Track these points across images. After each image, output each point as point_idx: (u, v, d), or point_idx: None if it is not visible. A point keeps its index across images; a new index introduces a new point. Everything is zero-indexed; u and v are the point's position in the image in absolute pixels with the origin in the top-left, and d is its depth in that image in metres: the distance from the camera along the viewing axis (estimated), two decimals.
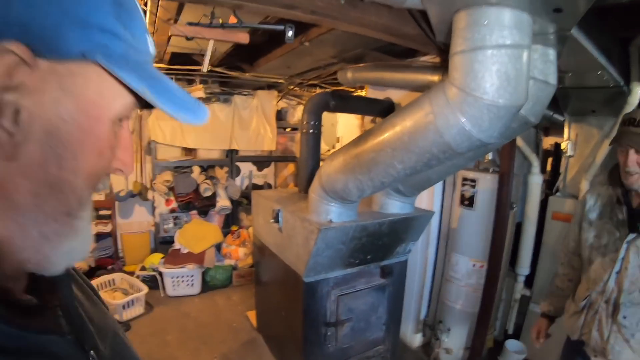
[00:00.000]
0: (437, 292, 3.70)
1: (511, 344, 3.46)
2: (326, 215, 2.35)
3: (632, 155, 1.75)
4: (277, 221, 2.74)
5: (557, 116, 3.58)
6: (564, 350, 2.33)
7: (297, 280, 2.65)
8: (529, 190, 3.46)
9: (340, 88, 4.66)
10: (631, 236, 1.83)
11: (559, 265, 2.37)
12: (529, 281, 3.63)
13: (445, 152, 1.56)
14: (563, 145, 3.35)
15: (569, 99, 2.94)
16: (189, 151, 5.29)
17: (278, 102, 5.67)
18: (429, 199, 3.49)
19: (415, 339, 3.79)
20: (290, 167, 6.11)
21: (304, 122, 3.01)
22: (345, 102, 3.32)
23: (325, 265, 2.54)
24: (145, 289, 4.03)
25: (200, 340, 3.61)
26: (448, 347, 3.36)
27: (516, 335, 3.67)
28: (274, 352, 3.42)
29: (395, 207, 2.68)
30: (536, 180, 3.46)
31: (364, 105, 3.69)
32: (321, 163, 2.63)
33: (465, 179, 3.24)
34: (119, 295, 3.98)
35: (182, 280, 4.42)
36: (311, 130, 3.02)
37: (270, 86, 5.40)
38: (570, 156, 3.34)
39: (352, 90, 4.81)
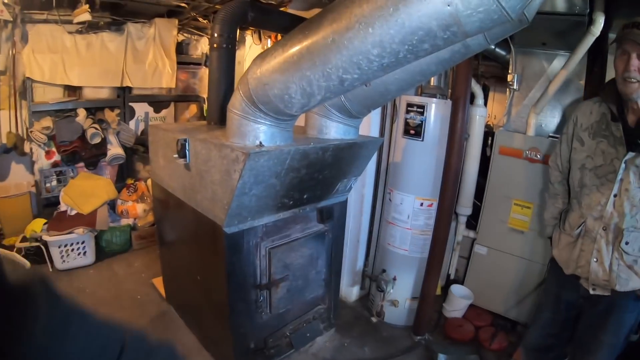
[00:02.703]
0: (376, 237, 3.35)
1: (457, 289, 3.33)
2: (254, 138, 1.78)
3: (634, 60, 1.62)
4: (182, 155, 2.10)
5: (499, 50, 3.50)
6: (549, 285, 2.20)
7: (215, 232, 2.08)
8: (471, 123, 3.22)
9: None
10: (630, 155, 1.72)
11: (551, 198, 2.21)
12: (470, 222, 3.47)
13: (448, 29, 1.13)
14: (509, 78, 3.22)
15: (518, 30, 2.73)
16: (72, 91, 4.41)
17: (179, 33, 4.93)
18: (364, 128, 2.95)
19: (352, 293, 3.44)
20: (193, 109, 5.47)
21: (215, 35, 2.41)
22: (267, 16, 2.79)
23: (252, 208, 2.00)
24: (26, 264, 3.23)
25: None
26: (393, 299, 3.03)
27: (459, 281, 3.54)
28: (191, 326, 2.85)
29: (338, 130, 2.20)
30: (480, 113, 3.24)
31: (289, 22, 3.03)
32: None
33: (410, 105, 2.82)
34: None
35: (71, 249, 3.66)
36: (224, 45, 2.41)
37: (170, 14, 4.62)
38: (515, 90, 3.21)
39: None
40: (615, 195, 1.75)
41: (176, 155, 2.15)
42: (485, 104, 3.35)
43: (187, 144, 2.11)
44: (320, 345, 2.78)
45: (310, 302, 2.62)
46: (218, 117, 2.40)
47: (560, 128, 2.93)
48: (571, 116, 2.02)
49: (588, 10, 2.28)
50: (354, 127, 2.27)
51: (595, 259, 1.81)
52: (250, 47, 5.02)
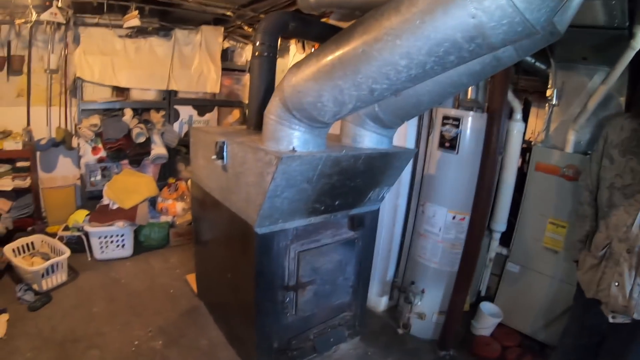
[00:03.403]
0: (407, 248, 3.31)
1: (486, 307, 3.24)
2: (288, 143, 1.83)
3: None
4: (220, 157, 2.18)
5: (539, 64, 3.41)
6: (574, 310, 2.12)
7: (247, 232, 2.14)
8: (508, 138, 3.14)
9: None
10: None
11: (580, 220, 2.10)
12: (504, 239, 3.38)
13: (473, 41, 1.14)
14: (548, 93, 3.16)
15: (558, 43, 2.67)
16: (120, 91, 4.60)
17: (224, 40, 5.08)
18: (400, 139, 2.98)
19: (381, 303, 3.41)
20: (236, 114, 5.57)
21: (257, 44, 2.47)
22: (307, 27, 2.79)
23: (284, 211, 2.04)
24: (67, 252, 3.40)
25: (132, 311, 3.06)
26: (421, 312, 2.99)
27: (489, 298, 3.45)
28: (219, 322, 2.92)
29: (371, 140, 2.21)
30: (518, 128, 3.15)
31: (329, 33, 3.08)
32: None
33: (446, 118, 2.79)
34: (38, 260, 3.31)
35: (111, 241, 3.82)
36: (265, 53, 2.47)
37: (217, 21, 4.78)
38: (554, 105, 3.14)
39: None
40: None
41: (214, 157, 2.23)
42: (526, 119, 3.29)
43: (225, 146, 2.18)
44: (344, 352, 2.77)
45: (336, 308, 2.62)
46: (256, 123, 2.45)
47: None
48: (602, 132, 1.93)
49: (628, 24, 2.21)
50: (388, 137, 2.27)
51: (616, 283, 1.73)
52: (294, 56, 5.06)
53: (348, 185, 2.18)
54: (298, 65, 1.70)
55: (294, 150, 1.81)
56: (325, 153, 1.89)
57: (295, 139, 1.82)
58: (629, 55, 2.41)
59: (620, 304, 1.72)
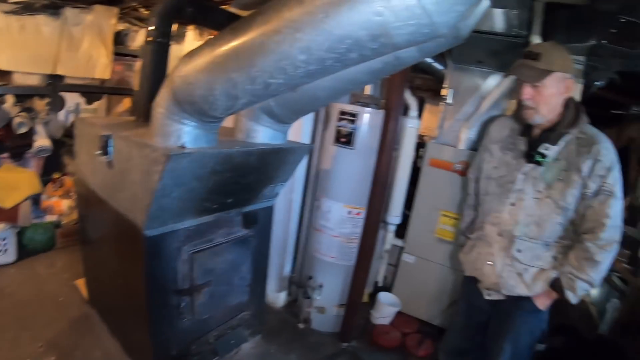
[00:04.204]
0: (304, 243, 3.34)
1: (384, 297, 3.36)
2: (177, 139, 1.72)
3: (527, 89, 1.77)
4: (105, 152, 2.01)
5: (436, 64, 3.57)
6: (463, 291, 2.30)
7: (135, 235, 1.99)
8: (404, 135, 3.28)
9: None
10: (527, 167, 1.85)
11: (467, 209, 2.29)
12: (400, 231, 3.54)
13: (377, 40, 1.12)
14: (443, 92, 3.31)
15: (457, 46, 2.77)
16: (1, 75, 4.04)
17: (118, 22, 4.63)
18: (296, 134, 2.93)
19: (279, 299, 3.40)
20: (126, 102, 5.20)
21: (150, 28, 2.32)
22: (206, 13, 2.70)
23: (173, 211, 1.93)
24: None
25: (19, 324, 2.75)
26: (320, 306, 3.03)
27: (387, 288, 3.58)
28: (114, 331, 2.71)
29: (266, 135, 2.17)
30: (413, 124, 3.29)
31: (229, 21, 2.94)
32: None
33: (343, 113, 2.82)
34: None
35: None
36: (159, 39, 2.33)
37: (111, 1, 4.35)
38: (449, 104, 3.28)
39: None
40: (512, 204, 1.86)
41: (99, 152, 2.05)
42: (420, 116, 3.43)
43: (110, 140, 2.02)
44: (246, 352, 2.73)
45: (234, 308, 2.56)
46: (145, 114, 2.26)
47: None
48: (486, 130, 2.13)
49: (525, 33, 2.36)
50: (282, 132, 2.24)
51: (489, 263, 1.92)
52: (191, 43, 4.82)
53: (241, 182, 2.13)
54: (190, 54, 1.60)
55: (183, 146, 1.71)
56: (217, 150, 1.82)
57: (185, 134, 1.72)
58: None
59: (492, 281, 1.91)
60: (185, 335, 2.30)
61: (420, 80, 4.92)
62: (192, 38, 4.47)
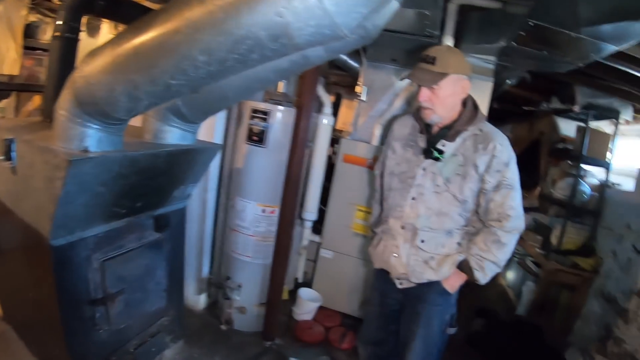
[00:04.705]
0: (220, 244, 3.32)
1: (305, 293, 3.43)
2: (80, 142, 1.65)
3: (424, 91, 1.83)
4: (8, 158, 1.87)
5: (351, 62, 3.60)
6: (374, 282, 2.34)
7: (41, 245, 1.86)
8: (318, 131, 3.37)
9: None
10: (426, 162, 1.92)
11: (376, 204, 2.34)
12: (317, 227, 3.63)
13: (277, 40, 1.13)
14: (357, 90, 3.40)
15: (370, 44, 2.90)
16: None
17: (29, 13, 4.36)
18: (208, 133, 2.92)
19: (199, 301, 3.34)
20: (37, 100, 4.84)
21: (58, 22, 2.22)
22: (117, 7, 2.61)
23: (80, 218, 1.85)
24: None
25: None
26: (240, 306, 3.03)
27: (307, 284, 3.65)
28: (31, 347, 2.46)
29: (174, 136, 2.14)
30: (327, 121, 3.38)
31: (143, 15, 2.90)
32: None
33: (255, 111, 2.84)
34: None
35: None
36: (66, 34, 2.22)
37: None
38: (363, 101, 3.40)
39: None
40: (413, 198, 1.94)
41: (2, 157, 1.90)
42: (337, 112, 3.53)
43: (12, 144, 1.87)
44: (169, 358, 2.65)
45: (153, 315, 2.48)
46: (52, 114, 2.16)
47: None
48: (390, 127, 2.21)
49: (439, 33, 2.44)
50: (191, 132, 2.22)
51: (395, 255, 1.99)
52: (105, 37, 4.56)
53: (150, 185, 2.08)
54: (93, 53, 1.54)
55: (86, 150, 1.65)
56: (121, 153, 1.77)
57: (88, 137, 1.66)
58: None
59: (400, 271, 1.99)
60: (103, 346, 2.19)
61: (336, 77, 5.02)
62: (107, 31, 4.22)
